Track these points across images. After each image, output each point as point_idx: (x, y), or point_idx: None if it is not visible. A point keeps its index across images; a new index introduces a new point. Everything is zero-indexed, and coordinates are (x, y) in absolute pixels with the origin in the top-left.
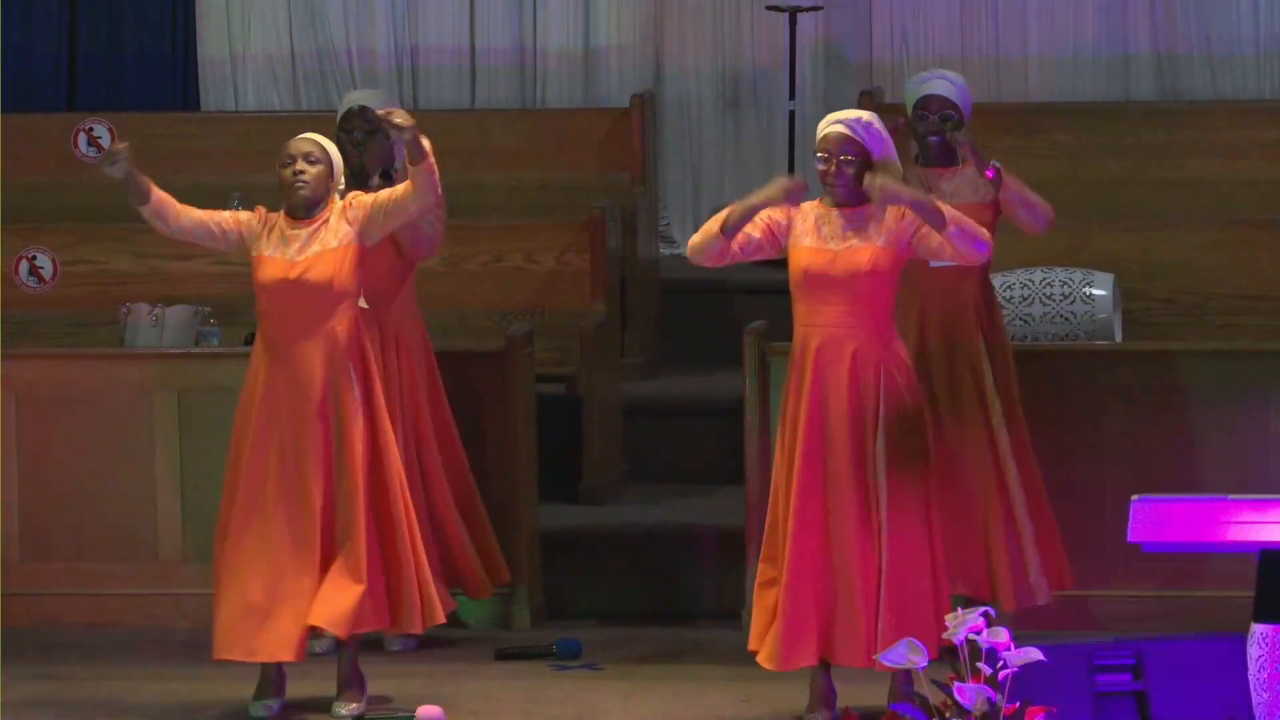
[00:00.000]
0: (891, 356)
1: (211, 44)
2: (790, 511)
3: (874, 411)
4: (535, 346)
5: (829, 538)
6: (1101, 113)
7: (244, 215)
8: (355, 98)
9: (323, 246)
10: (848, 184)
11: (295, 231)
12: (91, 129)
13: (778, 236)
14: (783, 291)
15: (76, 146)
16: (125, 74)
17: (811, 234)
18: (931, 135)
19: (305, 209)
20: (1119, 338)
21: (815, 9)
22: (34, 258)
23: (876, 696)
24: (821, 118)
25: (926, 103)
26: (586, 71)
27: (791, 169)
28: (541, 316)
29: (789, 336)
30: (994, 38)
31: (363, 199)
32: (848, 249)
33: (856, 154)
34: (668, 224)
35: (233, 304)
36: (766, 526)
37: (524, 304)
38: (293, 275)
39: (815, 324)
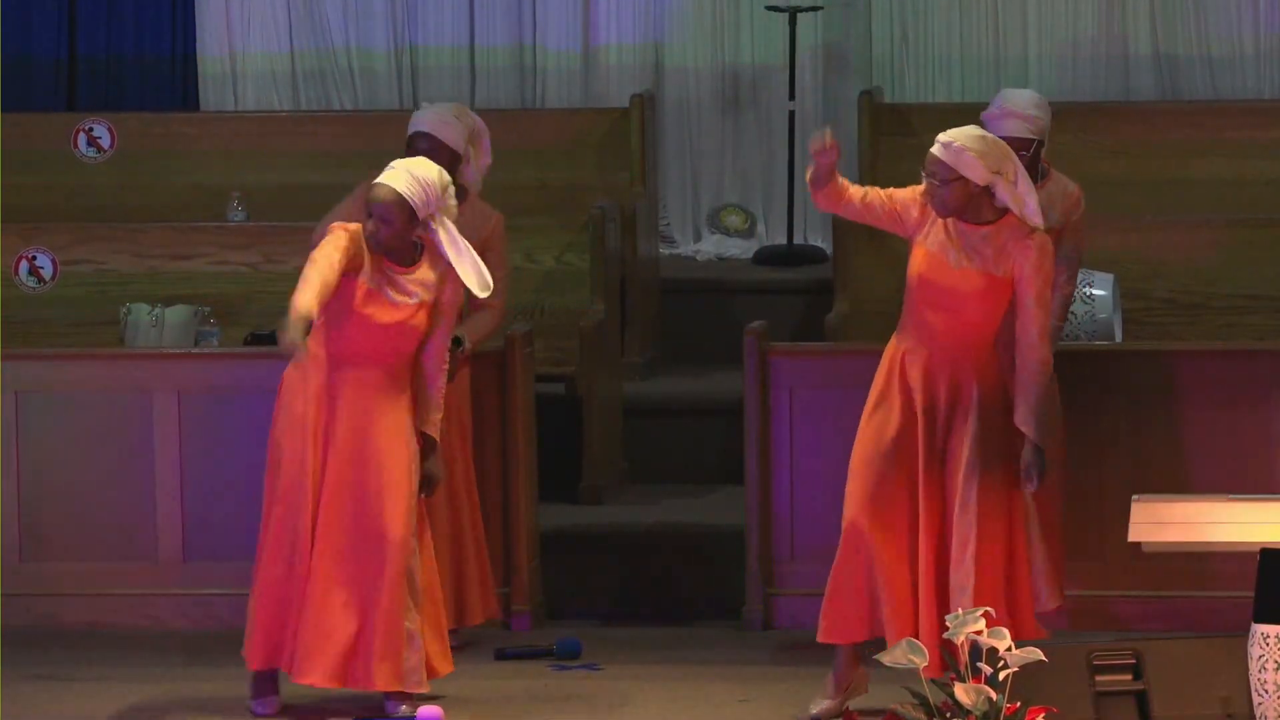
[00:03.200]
0: (988, 370)
1: (211, 44)
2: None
3: (963, 414)
4: (535, 346)
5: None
6: (1101, 113)
7: (346, 241)
8: (416, 120)
9: (418, 299)
10: (945, 206)
11: (394, 275)
12: (91, 129)
13: (905, 223)
14: (783, 291)
15: (76, 146)
16: (125, 74)
17: (938, 239)
18: None
19: (394, 258)
20: (1119, 338)
21: (815, 9)
22: (34, 258)
23: (876, 696)
24: (822, 118)
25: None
26: (586, 71)
27: (791, 169)
28: (541, 316)
29: (790, 336)
30: (994, 37)
31: (446, 303)
32: (964, 269)
33: (947, 177)
34: (667, 224)
35: (233, 304)
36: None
37: (523, 304)
38: (390, 320)
39: (917, 325)
